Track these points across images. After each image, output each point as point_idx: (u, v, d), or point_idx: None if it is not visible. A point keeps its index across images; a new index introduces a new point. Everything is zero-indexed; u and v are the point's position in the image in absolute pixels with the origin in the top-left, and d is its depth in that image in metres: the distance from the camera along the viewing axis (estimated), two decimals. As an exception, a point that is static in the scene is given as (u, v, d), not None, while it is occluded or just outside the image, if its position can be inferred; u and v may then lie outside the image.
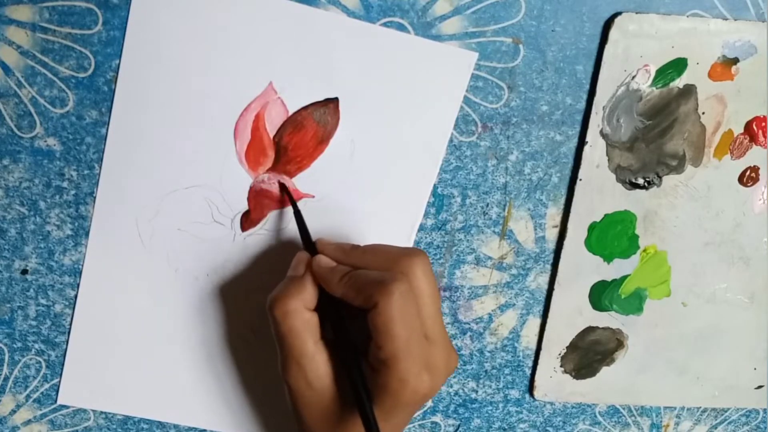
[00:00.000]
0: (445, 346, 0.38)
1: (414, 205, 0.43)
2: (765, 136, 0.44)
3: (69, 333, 0.43)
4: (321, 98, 0.40)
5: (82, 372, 0.44)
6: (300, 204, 0.42)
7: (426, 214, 0.43)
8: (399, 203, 0.43)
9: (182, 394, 0.45)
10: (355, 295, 0.36)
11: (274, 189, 0.41)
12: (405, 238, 0.43)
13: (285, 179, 0.41)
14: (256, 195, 0.41)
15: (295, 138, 0.40)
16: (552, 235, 0.45)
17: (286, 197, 0.41)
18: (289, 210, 0.42)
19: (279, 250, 0.43)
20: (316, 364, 0.37)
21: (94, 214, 0.41)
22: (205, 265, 0.42)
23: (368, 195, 0.42)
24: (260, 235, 0.42)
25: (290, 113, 0.40)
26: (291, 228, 0.42)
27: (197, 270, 0.42)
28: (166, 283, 0.42)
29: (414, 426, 0.48)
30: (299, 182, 0.41)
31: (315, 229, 0.42)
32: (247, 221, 0.42)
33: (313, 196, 0.42)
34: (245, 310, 0.44)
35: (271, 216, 0.42)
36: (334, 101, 0.40)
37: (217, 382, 0.45)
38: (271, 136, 0.40)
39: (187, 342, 0.44)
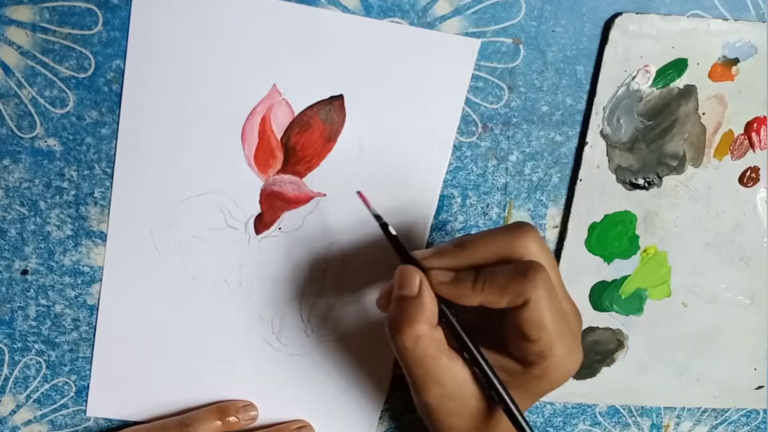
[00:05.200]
0: (575, 308, 0.37)
1: (428, 195, 0.43)
2: (762, 138, 0.44)
3: (93, 346, 0.43)
4: (326, 96, 0.40)
5: (108, 383, 0.44)
6: (312, 203, 0.42)
7: (426, 215, 0.43)
8: (412, 195, 0.42)
9: (206, 400, 0.45)
10: (499, 298, 0.34)
11: (286, 190, 0.41)
12: (421, 229, 0.43)
13: (299, 180, 0.41)
14: (268, 197, 0.41)
15: (303, 138, 0.40)
16: (552, 235, 0.45)
17: (310, 194, 0.41)
18: (302, 210, 0.42)
19: (295, 251, 0.43)
20: (453, 375, 0.36)
21: (109, 228, 0.41)
22: (222, 270, 0.42)
23: (381, 189, 0.42)
24: (275, 236, 0.42)
25: (296, 113, 0.40)
26: (305, 228, 0.42)
27: (215, 276, 0.42)
28: (185, 291, 0.42)
29: (416, 426, 0.48)
30: (310, 182, 0.41)
31: (330, 227, 0.42)
32: (261, 224, 0.42)
33: (325, 195, 0.42)
34: (266, 313, 0.44)
35: (285, 217, 0.42)
36: (339, 98, 0.40)
37: (241, 386, 0.45)
38: (279, 137, 0.40)
39: (210, 348, 0.44)
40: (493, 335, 0.36)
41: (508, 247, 0.35)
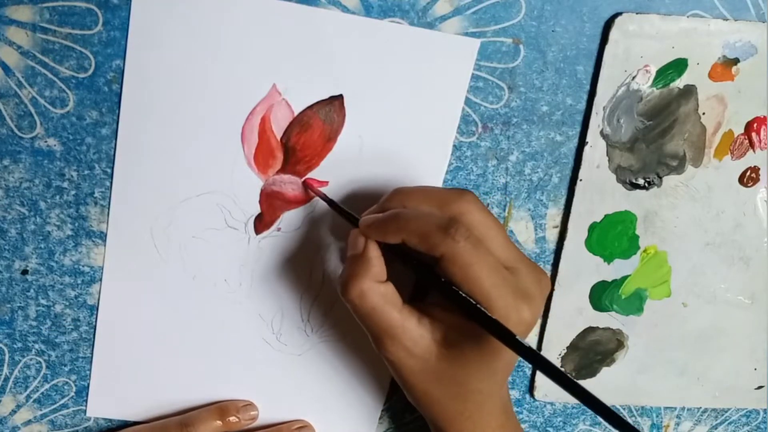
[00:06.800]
0: (530, 269, 0.37)
1: None
2: (762, 138, 0.44)
3: (93, 346, 0.43)
4: (325, 96, 0.40)
5: (108, 383, 0.44)
6: (312, 203, 0.42)
7: (426, 215, 0.43)
8: None
9: (206, 400, 0.45)
10: (417, 242, 0.35)
11: (286, 190, 0.41)
12: None
13: (299, 180, 0.41)
14: (268, 197, 0.41)
15: (303, 138, 0.40)
16: (552, 235, 0.45)
17: (309, 195, 0.41)
18: (302, 210, 0.42)
19: (294, 251, 0.43)
20: (408, 331, 0.36)
21: (109, 227, 0.41)
22: (222, 270, 0.42)
23: (381, 189, 0.42)
24: (275, 236, 0.42)
25: (296, 114, 0.40)
26: (305, 228, 0.42)
27: (215, 276, 0.42)
28: (185, 291, 0.42)
29: (416, 426, 0.48)
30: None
31: (330, 227, 0.42)
32: (261, 224, 0.42)
33: (325, 195, 0.42)
34: (266, 312, 0.44)
35: (284, 217, 0.42)
36: (339, 98, 0.40)
37: (241, 386, 0.45)
38: (279, 137, 0.40)
39: (210, 348, 0.44)
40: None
41: (442, 203, 0.36)
